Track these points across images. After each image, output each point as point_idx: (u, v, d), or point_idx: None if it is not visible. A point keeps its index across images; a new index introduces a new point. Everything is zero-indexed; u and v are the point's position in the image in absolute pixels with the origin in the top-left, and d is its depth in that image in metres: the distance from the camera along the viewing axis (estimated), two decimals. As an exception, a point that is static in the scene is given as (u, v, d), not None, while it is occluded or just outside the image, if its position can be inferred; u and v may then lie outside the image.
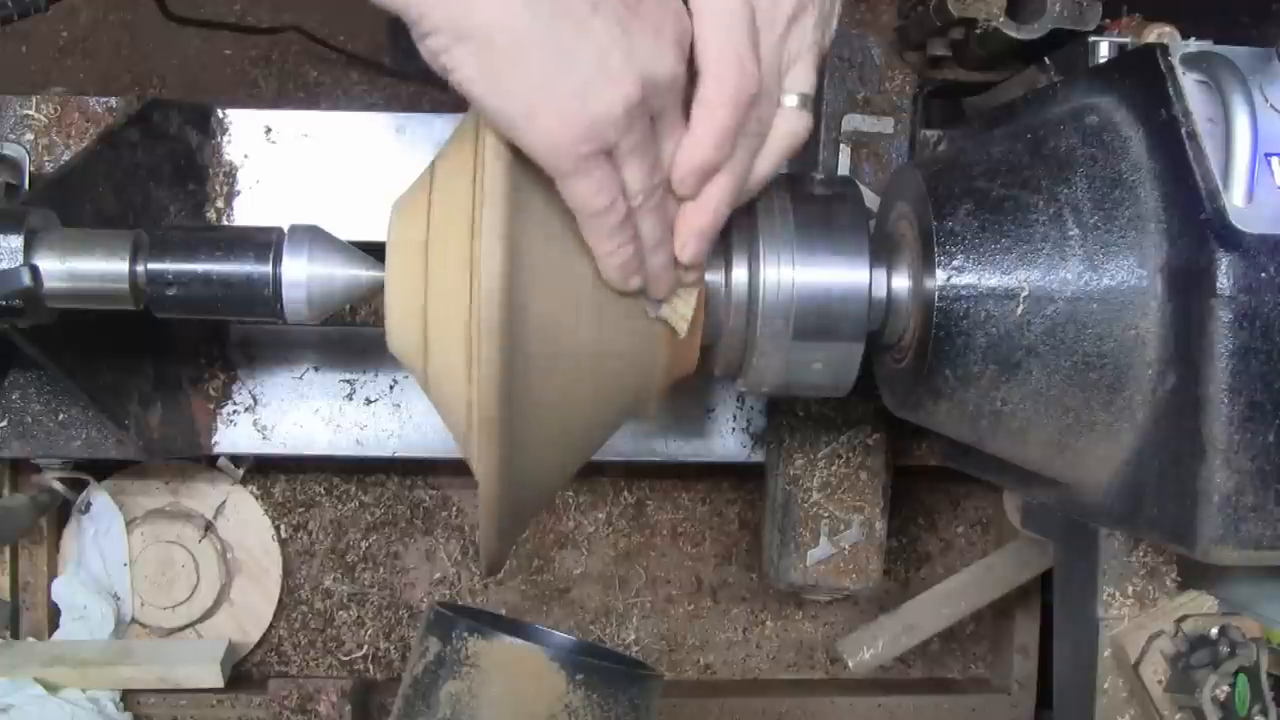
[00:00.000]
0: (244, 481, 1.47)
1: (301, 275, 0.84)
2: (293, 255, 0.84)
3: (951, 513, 1.62)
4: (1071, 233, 0.80)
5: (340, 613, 1.54)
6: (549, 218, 0.71)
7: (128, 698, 1.37)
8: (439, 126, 1.19)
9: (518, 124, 0.65)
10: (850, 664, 1.35)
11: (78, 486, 1.37)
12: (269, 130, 1.21)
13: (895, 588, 1.59)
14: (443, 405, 0.79)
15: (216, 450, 1.27)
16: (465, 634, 0.94)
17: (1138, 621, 0.91)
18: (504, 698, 0.93)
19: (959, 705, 1.54)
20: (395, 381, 1.28)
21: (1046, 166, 0.83)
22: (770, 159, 0.75)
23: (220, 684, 1.37)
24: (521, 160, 0.69)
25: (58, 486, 1.34)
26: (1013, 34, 1.02)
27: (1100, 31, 0.98)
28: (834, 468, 1.20)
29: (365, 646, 1.54)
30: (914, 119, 1.15)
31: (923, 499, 1.61)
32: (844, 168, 1.13)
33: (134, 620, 1.42)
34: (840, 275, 0.83)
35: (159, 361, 1.17)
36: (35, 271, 0.85)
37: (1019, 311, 0.81)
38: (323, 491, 1.53)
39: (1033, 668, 1.55)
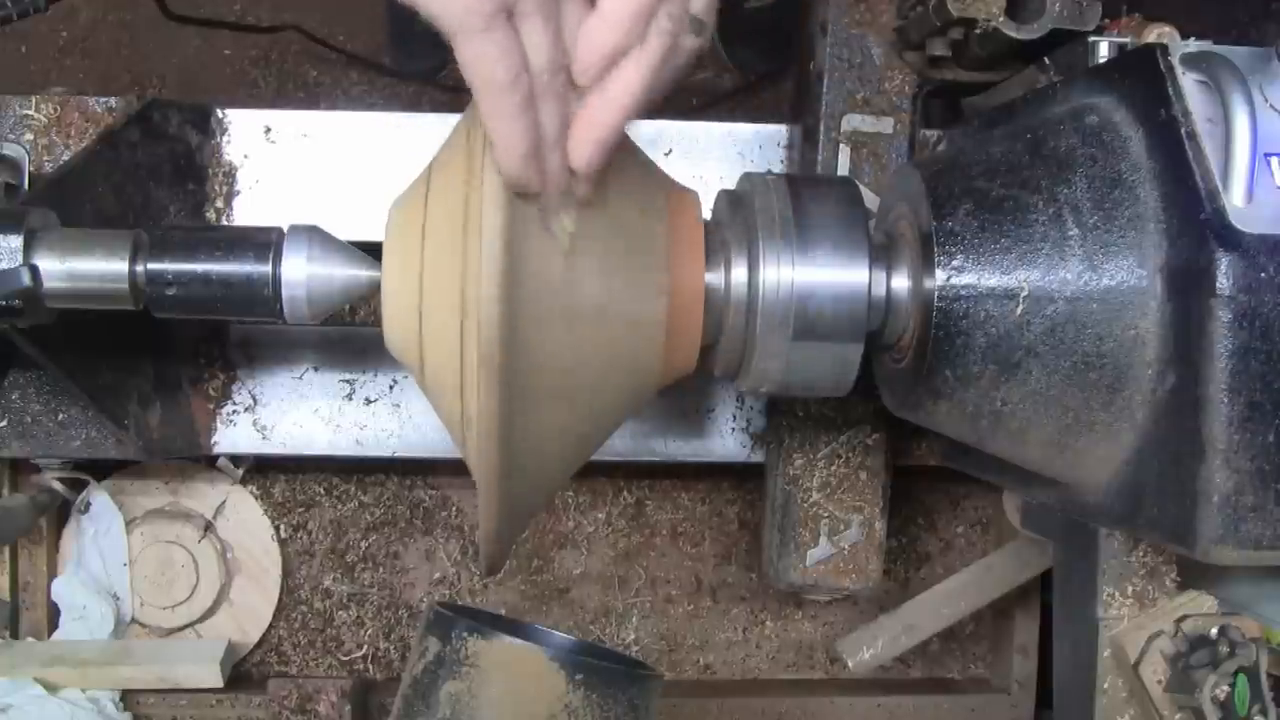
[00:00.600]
0: (244, 481, 1.47)
1: (301, 275, 0.84)
2: (292, 255, 0.84)
3: (951, 513, 1.62)
4: (1071, 233, 0.80)
5: (340, 613, 1.54)
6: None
7: (127, 698, 1.37)
8: (438, 126, 1.19)
9: None
10: (850, 664, 1.35)
11: (77, 486, 1.37)
12: (268, 130, 1.21)
13: (895, 588, 1.59)
14: (440, 404, 0.79)
15: (216, 450, 1.27)
16: (465, 634, 0.94)
17: (1137, 621, 0.91)
18: (504, 698, 0.93)
19: (959, 705, 1.54)
20: (395, 381, 1.28)
21: (1046, 166, 0.83)
22: (672, 67, 0.70)
23: (220, 684, 1.37)
24: None
25: (57, 486, 1.34)
26: (1012, 34, 1.02)
27: (1100, 31, 0.98)
28: (834, 468, 1.20)
29: (365, 646, 1.54)
30: (913, 119, 1.15)
31: (922, 499, 1.61)
32: (844, 168, 1.13)
33: (134, 620, 1.42)
34: (840, 275, 0.83)
35: (159, 361, 1.17)
36: (35, 271, 0.85)
37: (1019, 311, 0.81)
38: (322, 491, 1.53)
39: (1032, 668, 1.55)
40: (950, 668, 1.63)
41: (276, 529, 1.50)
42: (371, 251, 0.84)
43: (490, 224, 0.68)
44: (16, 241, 0.85)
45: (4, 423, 1.15)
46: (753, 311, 0.83)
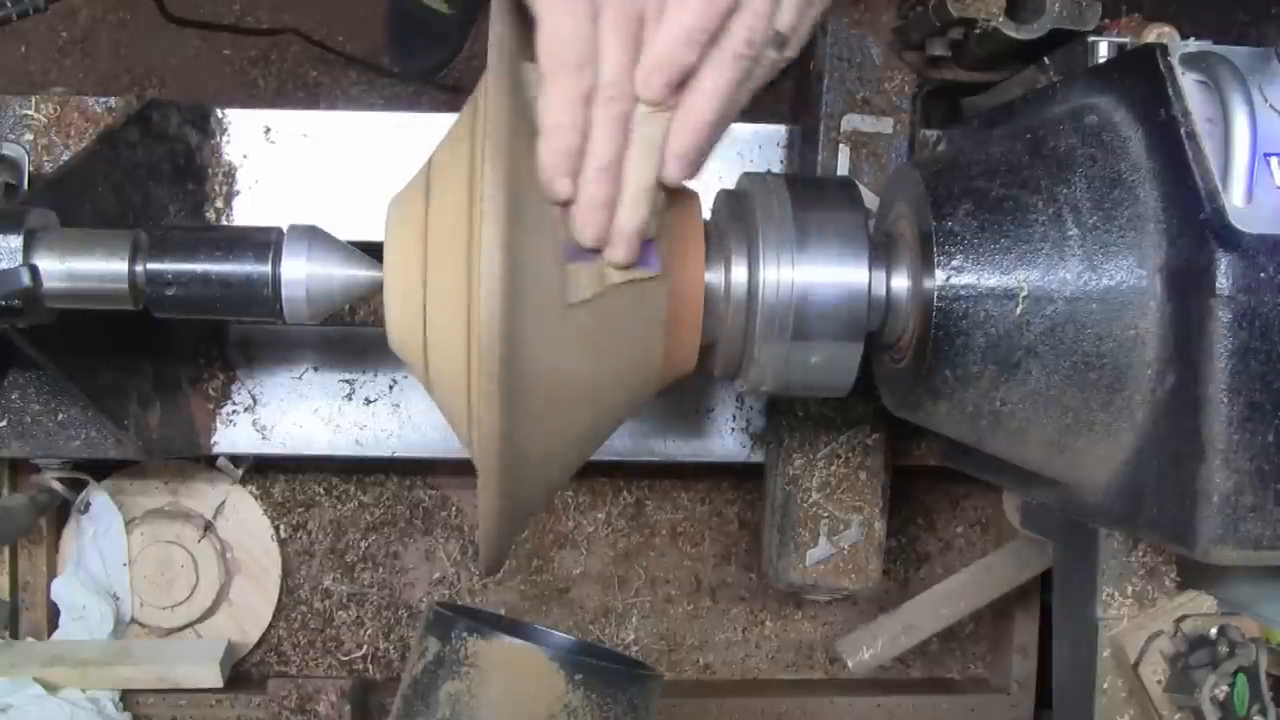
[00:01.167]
0: (243, 481, 1.47)
1: (301, 275, 0.84)
2: (292, 255, 0.84)
3: (951, 513, 1.62)
4: (1071, 233, 0.80)
5: (339, 613, 1.54)
6: (547, 218, 0.71)
7: (127, 698, 1.37)
8: (439, 126, 1.18)
9: None
10: (849, 664, 1.35)
11: (77, 486, 1.37)
12: (268, 130, 1.21)
13: (895, 588, 1.59)
14: (444, 402, 0.79)
15: (216, 450, 1.27)
16: (464, 634, 0.94)
17: (1137, 622, 0.91)
18: (503, 698, 0.93)
19: (958, 705, 1.55)
20: (395, 381, 1.28)
21: (1046, 166, 0.83)
22: (754, 84, 0.72)
23: (219, 684, 1.37)
24: (520, 160, 0.69)
25: (57, 486, 1.34)
26: (1012, 34, 1.02)
27: (1099, 31, 0.98)
28: (833, 468, 1.20)
29: (364, 646, 1.54)
30: (913, 119, 1.15)
31: (922, 499, 1.61)
32: (843, 168, 1.13)
33: (133, 620, 1.42)
34: (839, 275, 0.83)
35: (158, 361, 1.17)
36: (35, 271, 0.84)
37: (1018, 311, 0.81)
38: (322, 491, 1.53)
39: (1032, 668, 1.55)
40: (950, 668, 1.63)
41: (276, 529, 1.50)
42: (371, 251, 0.84)
43: (490, 231, 0.68)
44: (16, 241, 0.85)
45: (4, 423, 1.15)
46: (752, 311, 0.83)
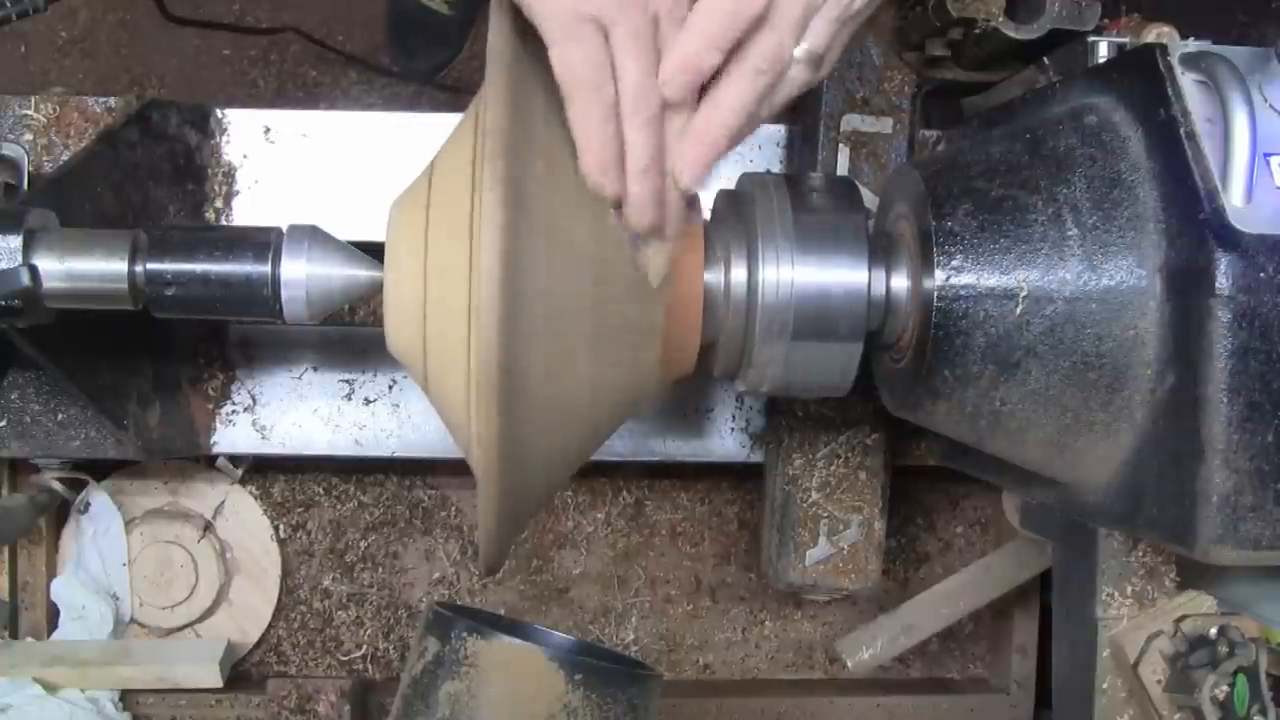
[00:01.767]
0: (243, 481, 1.47)
1: (300, 275, 0.84)
2: (291, 255, 0.84)
3: (950, 513, 1.62)
4: (1070, 233, 0.80)
5: (339, 613, 1.54)
6: (547, 218, 0.71)
7: (127, 698, 1.37)
8: (439, 126, 1.19)
9: None
10: (849, 664, 1.35)
11: (77, 486, 1.37)
12: (268, 130, 1.21)
13: (894, 588, 1.59)
14: (442, 405, 0.79)
15: (215, 450, 1.27)
16: (464, 634, 0.94)
17: (1137, 622, 0.91)
18: (503, 698, 0.93)
19: (958, 705, 1.55)
20: (394, 381, 1.28)
21: (1045, 166, 0.83)
22: (777, 99, 0.73)
23: (219, 684, 1.37)
24: (519, 160, 0.69)
25: (57, 486, 1.34)
26: (1011, 34, 1.02)
27: (1099, 31, 0.98)
28: (833, 468, 1.20)
29: (364, 646, 1.54)
30: (913, 119, 1.15)
31: (922, 499, 1.61)
32: (843, 167, 1.13)
33: (133, 620, 1.42)
34: (839, 275, 0.83)
35: (158, 361, 1.17)
36: (34, 271, 0.85)
37: (1018, 311, 0.81)
38: (321, 491, 1.53)
39: (1031, 668, 1.55)
40: (949, 668, 1.63)
41: (276, 529, 1.50)
42: (371, 251, 0.84)
43: (490, 235, 0.68)
44: (16, 241, 0.85)
45: (4, 423, 1.15)
46: (752, 311, 0.83)
